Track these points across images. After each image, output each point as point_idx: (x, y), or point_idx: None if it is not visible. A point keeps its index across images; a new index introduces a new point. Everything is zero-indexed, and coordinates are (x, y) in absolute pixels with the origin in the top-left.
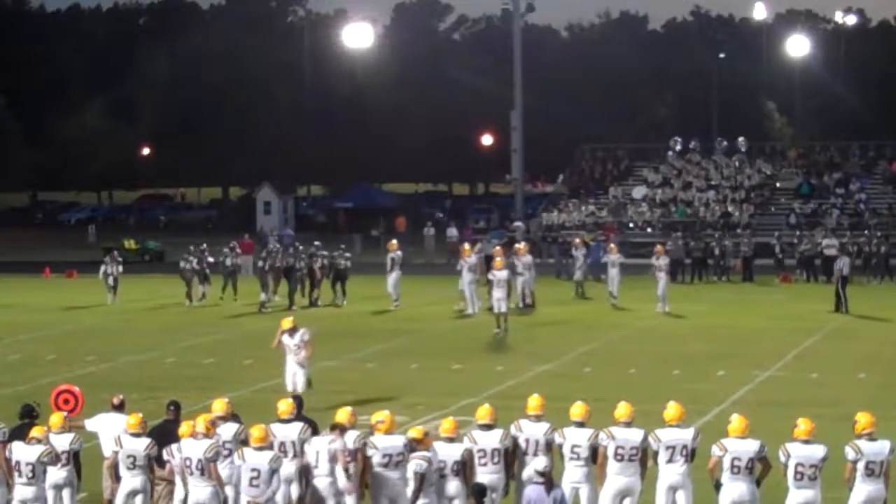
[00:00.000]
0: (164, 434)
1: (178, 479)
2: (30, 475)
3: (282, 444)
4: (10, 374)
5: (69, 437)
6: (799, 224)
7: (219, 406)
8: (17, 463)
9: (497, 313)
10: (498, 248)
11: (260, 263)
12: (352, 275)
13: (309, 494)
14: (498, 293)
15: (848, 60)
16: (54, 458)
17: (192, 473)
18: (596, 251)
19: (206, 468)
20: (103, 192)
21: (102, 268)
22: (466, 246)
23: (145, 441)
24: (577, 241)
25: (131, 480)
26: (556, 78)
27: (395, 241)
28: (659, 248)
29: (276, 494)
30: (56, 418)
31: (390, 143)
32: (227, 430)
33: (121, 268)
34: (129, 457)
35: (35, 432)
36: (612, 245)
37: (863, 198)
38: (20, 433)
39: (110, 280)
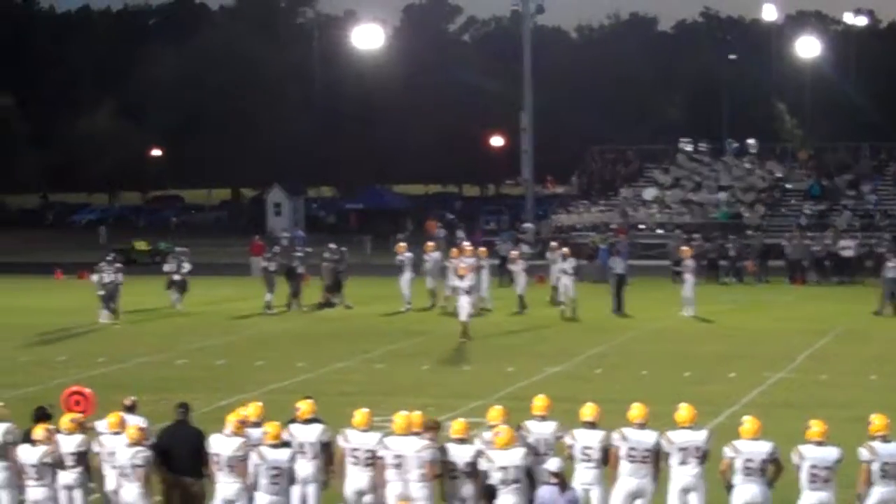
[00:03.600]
0: (173, 436)
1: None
2: (36, 476)
3: (301, 444)
4: (21, 375)
5: (77, 438)
6: (809, 225)
7: (254, 410)
8: (23, 465)
9: (462, 321)
10: (466, 247)
11: (263, 264)
12: (361, 276)
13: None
14: (462, 301)
15: (858, 61)
16: (58, 458)
17: (220, 470)
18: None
19: (237, 467)
20: (115, 195)
21: (96, 277)
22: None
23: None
24: (554, 244)
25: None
26: (566, 79)
27: (402, 244)
28: (685, 249)
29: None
30: (65, 420)
31: (400, 145)
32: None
33: (121, 276)
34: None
35: (36, 434)
36: (565, 249)
37: (874, 199)
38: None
39: (103, 291)
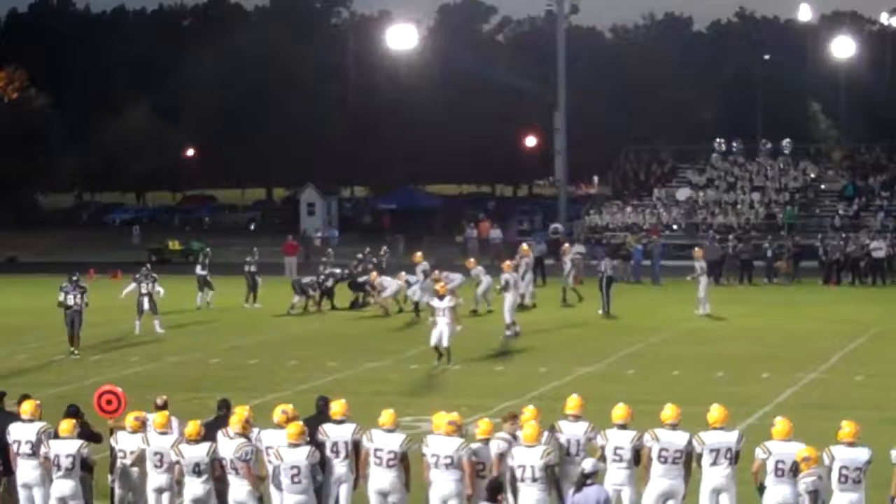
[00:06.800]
0: (215, 432)
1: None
2: (69, 467)
3: (334, 444)
4: (55, 374)
5: (139, 436)
6: (843, 226)
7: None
8: (56, 457)
9: (437, 346)
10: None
11: (297, 279)
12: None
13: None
14: (441, 323)
15: (894, 62)
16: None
17: (228, 472)
18: (638, 254)
19: (240, 468)
20: (142, 195)
21: (133, 286)
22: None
23: (171, 439)
24: (566, 246)
25: (157, 478)
26: (600, 79)
27: (472, 259)
28: (697, 250)
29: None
30: (130, 418)
31: (434, 145)
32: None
33: (159, 288)
34: (155, 454)
35: (64, 431)
36: (506, 262)
37: None
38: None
39: (145, 302)
